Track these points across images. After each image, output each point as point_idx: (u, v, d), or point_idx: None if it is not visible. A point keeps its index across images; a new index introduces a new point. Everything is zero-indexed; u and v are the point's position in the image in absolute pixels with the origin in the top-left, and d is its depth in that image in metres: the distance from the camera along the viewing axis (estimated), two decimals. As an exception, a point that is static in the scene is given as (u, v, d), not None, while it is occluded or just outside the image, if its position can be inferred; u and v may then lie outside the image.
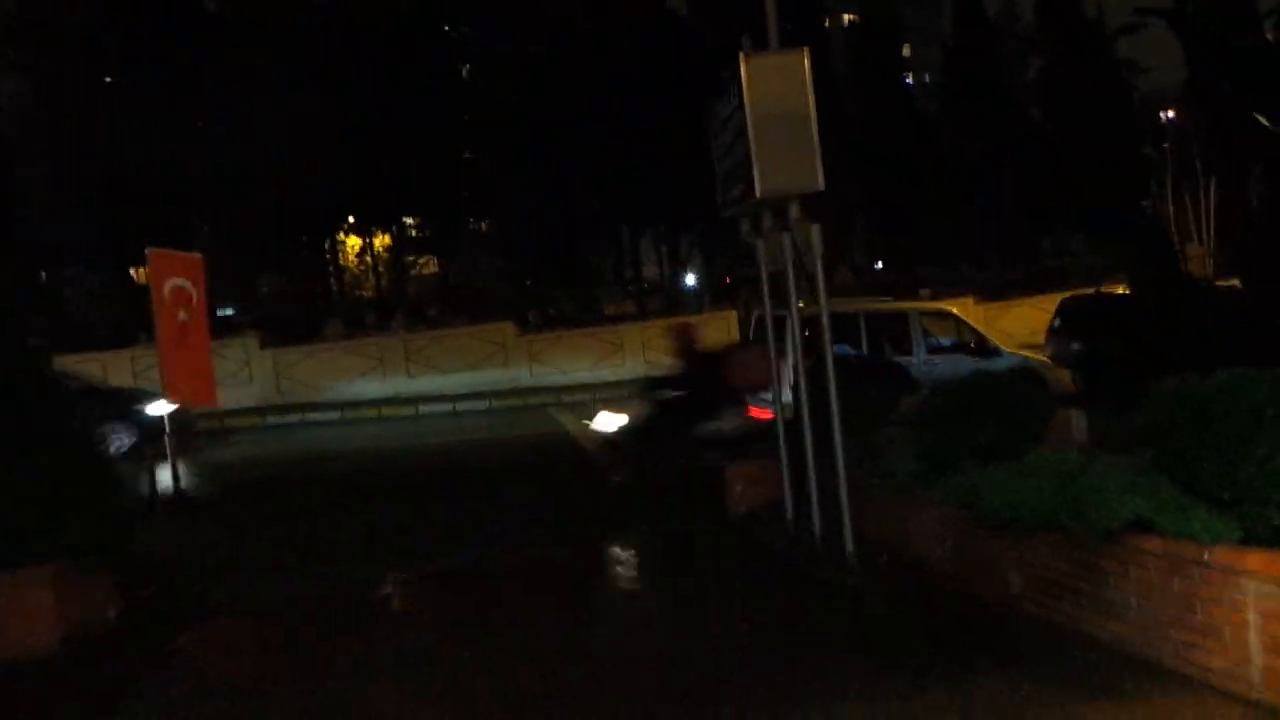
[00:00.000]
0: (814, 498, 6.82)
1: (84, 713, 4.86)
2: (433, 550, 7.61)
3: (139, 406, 13.28)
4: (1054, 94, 33.45)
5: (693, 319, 20.80)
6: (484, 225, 34.81)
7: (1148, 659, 4.29)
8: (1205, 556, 3.86)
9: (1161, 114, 35.54)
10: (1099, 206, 33.37)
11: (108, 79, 26.72)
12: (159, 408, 12.96)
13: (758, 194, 6.21)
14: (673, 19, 31.56)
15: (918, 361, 12.60)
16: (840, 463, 6.32)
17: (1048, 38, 33.68)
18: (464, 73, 32.34)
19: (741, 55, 6.15)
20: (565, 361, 19.89)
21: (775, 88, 6.13)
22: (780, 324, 7.66)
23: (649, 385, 11.80)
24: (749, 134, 6.15)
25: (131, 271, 32.57)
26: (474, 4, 29.88)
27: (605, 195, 30.68)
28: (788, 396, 12.44)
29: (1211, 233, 22.38)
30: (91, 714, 4.84)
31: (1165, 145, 30.80)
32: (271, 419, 17.94)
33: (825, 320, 6.40)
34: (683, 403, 9.98)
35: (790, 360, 7.71)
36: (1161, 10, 10.27)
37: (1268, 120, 10.13)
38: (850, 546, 6.33)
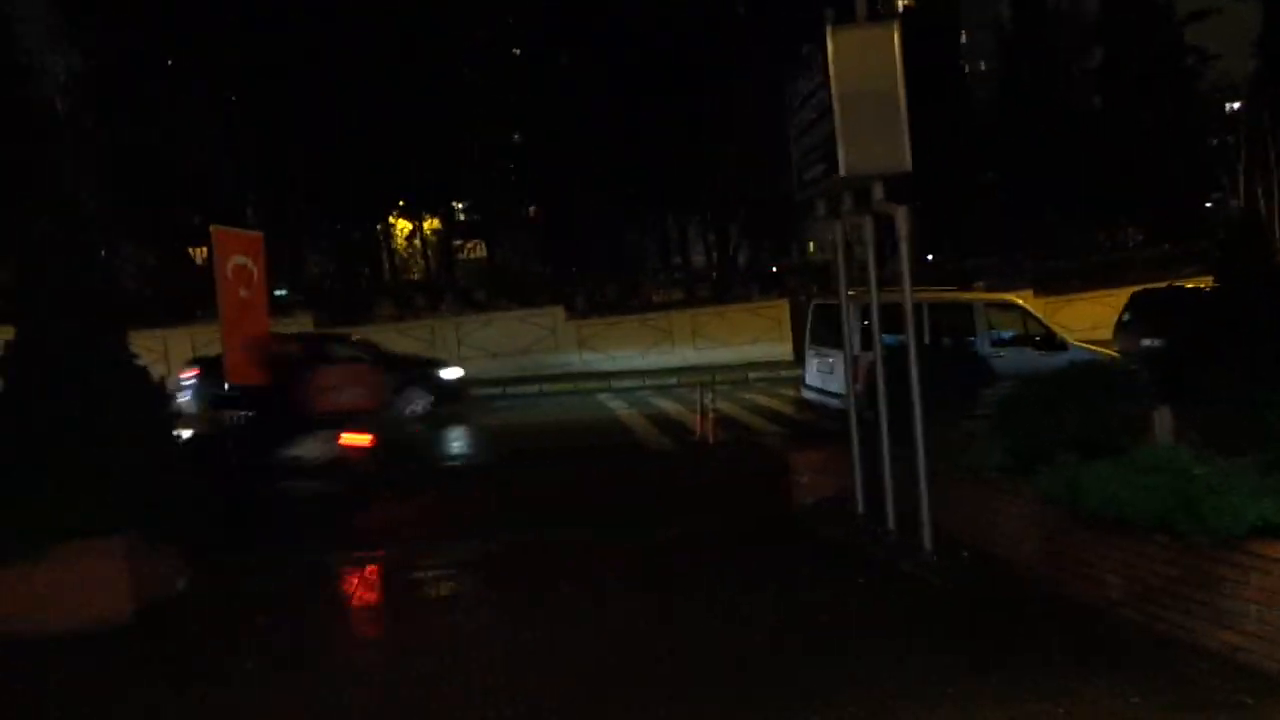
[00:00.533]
0: (888, 489, 6.61)
1: (156, 686, 4.84)
2: (501, 529, 7.51)
3: (433, 372, 15.07)
4: (1116, 83, 32.39)
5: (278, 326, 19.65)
6: (532, 210, 34.74)
7: (1266, 671, 4.04)
8: (1343, 565, 3.60)
9: (1228, 104, 34.32)
10: (1161, 199, 32.37)
11: (164, 58, 27.03)
12: (451, 373, 15.06)
13: (841, 173, 5.99)
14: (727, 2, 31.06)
15: (981, 354, 12.25)
16: (921, 453, 6.09)
17: (1112, 24, 32.60)
18: (515, 54, 32.25)
19: (828, 28, 5.92)
20: (615, 347, 19.77)
21: (863, 62, 5.89)
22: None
23: (216, 401, 10.38)
24: (834, 111, 5.92)
25: (189, 250, 33.25)
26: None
27: (652, 182, 30.43)
28: (837, 386, 12.34)
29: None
30: (164, 687, 4.81)
31: (1231, 138, 29.79)
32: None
33: (908, 307, 6.16)
34: (253, 424, 8.61)
35: (848, 348, 7.48)
36: None
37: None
38: (929, 542, 6.12)
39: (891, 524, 6.59)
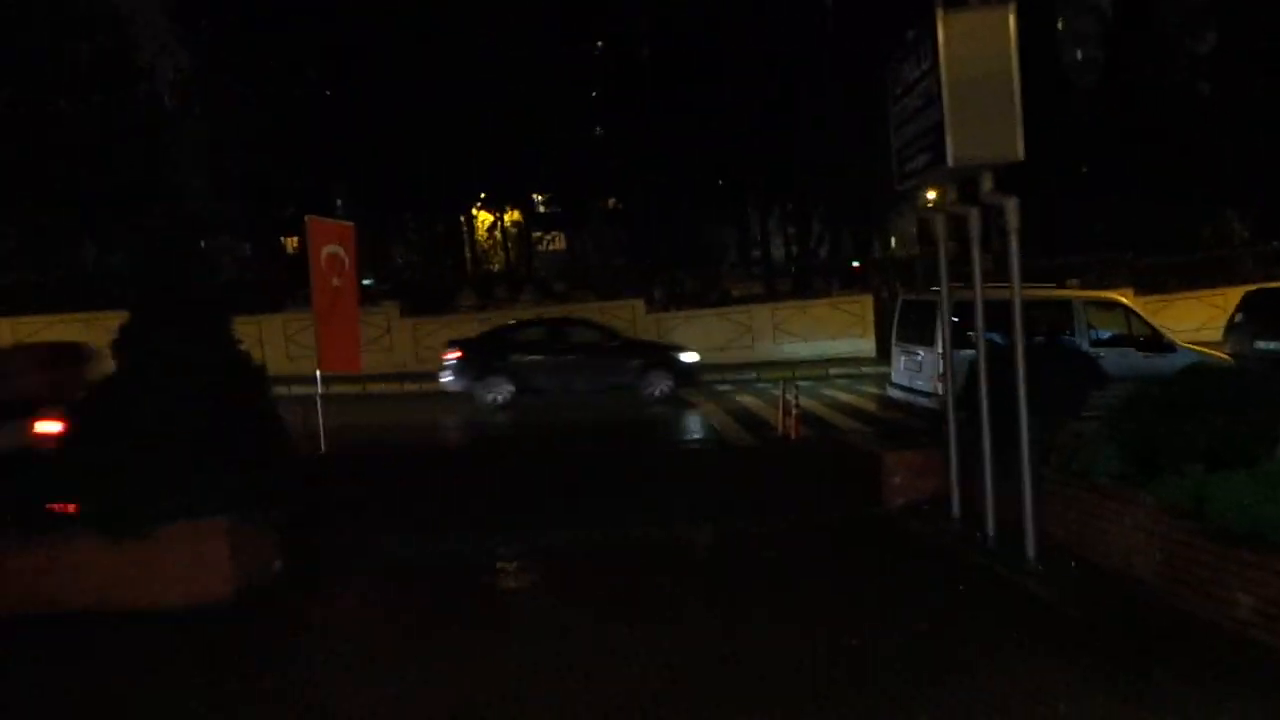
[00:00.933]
0: (989, 494, 6.35)
1: (259, 664, 4.96)
2: (595, 522, 7.48)
3: (674, 356, 16.29)
4: (1228, 68, 30.62)
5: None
6: (611, 202, 34.80)
7: None
8: None
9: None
10: (1272, 191, 30.54)
11: (263, 58, 27.94)
12: (689, 357, 16.34)
13: (950, 162, 5.75)
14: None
15: (1064, 347, 11.71)
16: (1025, 457, 5.83)
17: (1223, 7, 30.81)
18: (598, 46, 32.32)
19: (939, 12, 5.68)
20: (694, 340, 19.53)
21: (975, 47, 5.64)
22: (960, 309, 7.10)
23: None
24: (943, 97, 5.68)
25: (282, 240, 34.42)
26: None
27: (732, 173, 30.14)
28: (924, 384, 11.97)
29: None
30: (267, 665, 4.93)
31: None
32: (409, 386, 18.42)
33: (1017, 304, 5.88)
34: None
35: (947, 345, 7.20)
36: None
37: None
38: (1033, 550, 5.85)
39: (991, 529, 6.33)
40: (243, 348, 7.01)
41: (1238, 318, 14.01)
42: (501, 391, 15.68)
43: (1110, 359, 11.50)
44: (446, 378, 15.95)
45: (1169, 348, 12.19)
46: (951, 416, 6.89)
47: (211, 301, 6.88)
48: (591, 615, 5.45)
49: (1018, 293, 5.91)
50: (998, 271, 6.60)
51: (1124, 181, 30.51)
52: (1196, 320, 20.62)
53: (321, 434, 11.16)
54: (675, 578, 6.14)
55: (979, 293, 6.41)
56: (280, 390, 8.73)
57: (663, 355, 16.45)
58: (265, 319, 19.53)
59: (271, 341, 18.74)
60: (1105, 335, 12.35)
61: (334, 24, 26.41)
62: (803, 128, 26.31)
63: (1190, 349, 12.42)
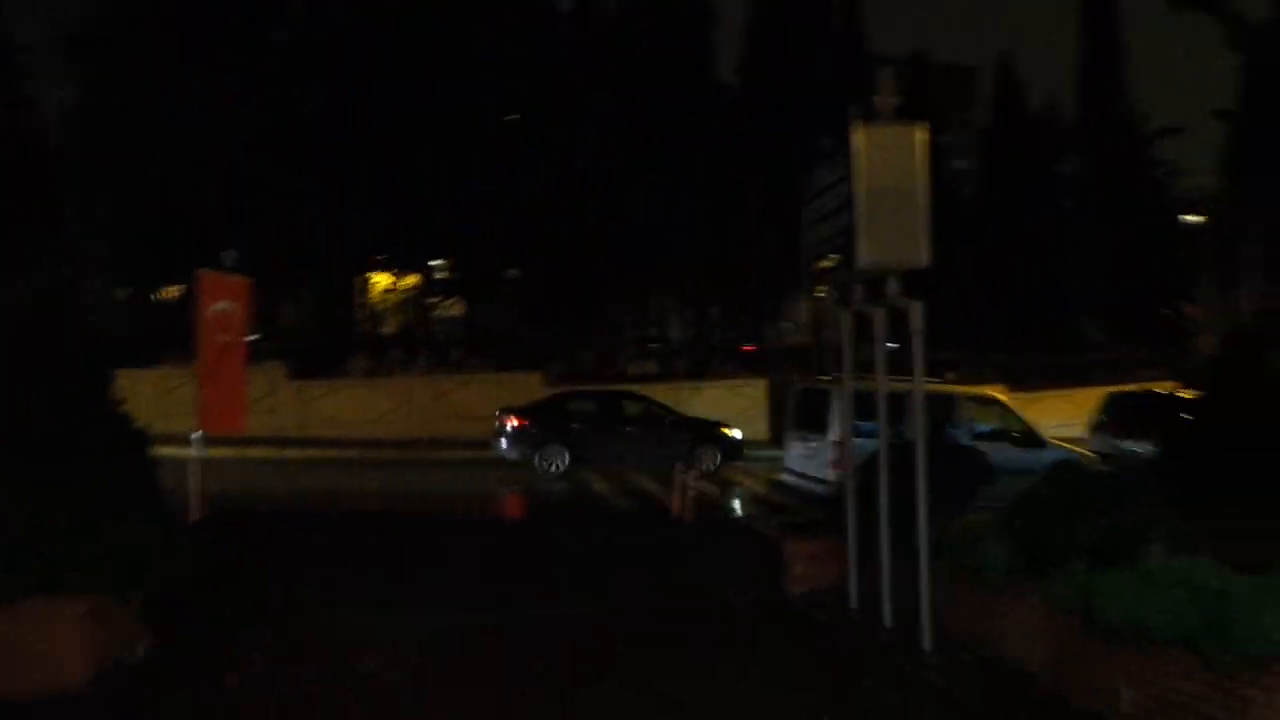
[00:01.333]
0: (886, 585, 6.51)
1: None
2: (455, 603, 7.21)
3: (720, 431, 16.95)
4: (1090, 189, 33.69)
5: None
6: (513, 272, 34.80)
7: (1292, 799, 3.95)
8: (1377, 695, 3.56)
9: (1192, 216, 35.80)
10: (1124, 302, 33.36)
11: (156, 99, 26.99)
12: (735, 434, 17.01)
13: (861, 265, 6.04)
14: (720, 89, 31.95)
15: (957, 443, 12.29)
16: (923, 551, 6.03)
17: (1086, 133, 34.04)
18: (504, 120, 32.71)
19: (857, 124, 6.04)
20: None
21: (887, 160, 6.00)
22: (863, 399, 7.36)
23: None
24: (857, 205, 6.00)
25: (161, 289, 32.74)
26: (521, 56, 30.31)
27: (637, 253, 30.74)
28: (819, 471, 12.29)
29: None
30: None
31: (1192, 245, 31.03)
32: (290, 452, 17.62)
33: (920, 401, 6.16)
34: None
35: (847, 435, 7.45)
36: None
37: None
38: (929, 642, 6.01)
39: (889, 620, 6.48)
40: (122, 410, 6.59)
41: (1102, 418, 15.06)
42: (559, 460, 15.82)
43: (990, 452, 12.09)
44: (503, 445, 16.08)
45: (1041, 444, 12.96)
46: (852, 508, 7.08)
47: (89, 359, 6.47)
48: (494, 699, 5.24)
49: (920, 389, 6.19)
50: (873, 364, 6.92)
51: (994, 284, 32.74)
52: (1059, 417, 21.94)
53: (197, 499, 10.48)
54: (572, 664, 5.96)
55: (883, 388, 6.68)
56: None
57: (712, 431, 17.08)
58: (138, 373, 18.39)
59: (145, 397, 17.59)
60: (984, 430, 13.01)
61: (237, 68, 25.77)
62: (706, 213, 27.22)
63: (1060, 445, 13.24)
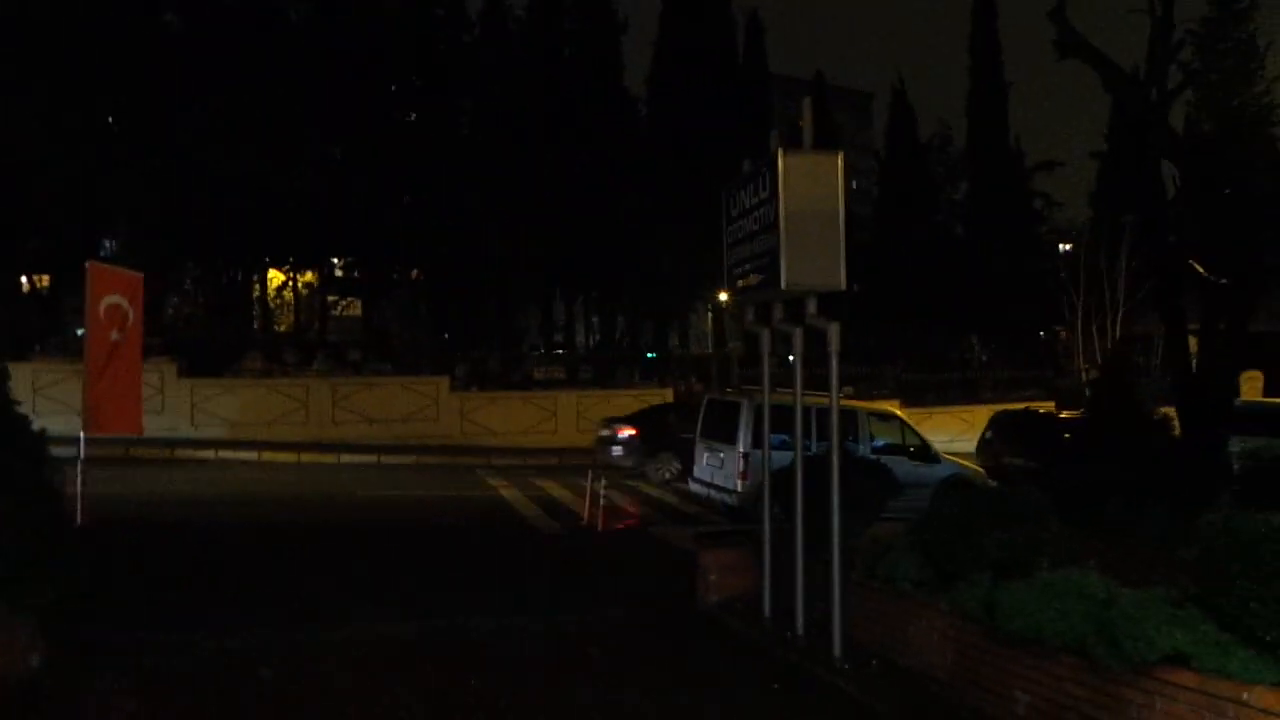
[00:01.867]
0: (799, 594, 6.75)
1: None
2: (369, 616, 7.10)
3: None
4: (976, 216, 35.56)
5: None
6: (414, 273, 34.11)
7: (1167, 793, 4.31)
8: (1244, 696, 3.93)
9: (1064, 245, 38.27)
10: (1008, 325, 35.34)
11: (31, 72, 25.27)
12: None
13: (783, 286, 6.26)
14: (630, 100, 32.26)
15: (865, 458, 12.82)
16: (835, 562, 6.28)
17: (974, 163, 35.96)
18: (412, 118, 32.10)
19: (780, 151, 6.26)
20: (497, 423, 19.45)
21: (809, 185, 6.25)
22: (780, 413, 7.62)
23: None
24: (780, 228, 6.22)
25: (24, 279, 30.63)
26: (432, 54, 29.85)
27: (543, 257, 30.64)
28: (725, 480, 12.60)
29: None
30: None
31: (1066, 274, 33.14)
32: (180, 453, 16.82)
33: (835, 418, 6.42)
34: None
35: (766, 447, 7.71)
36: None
37: (1203, 269, 10.95)
38: (840, 649, 6.26)
39: (801, 629, 6.71)
40: (19, 409, 6.23)
41: (988, 435, 15.95)
42: (670, 468, 16.22)
43: (888, 466, 12.64)
44: (617, 451, 16.65)
45: (935, 458, 13.67)
46: (767, 518, 7.30)
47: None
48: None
49: (835, 406, 6.46)
50: (785, 376, 7.19)
51: (890, 303, 34.13)
52: (950, 432, 23.15)
53: (79, 503, 9.91)
54: (491, 675, 5.95)
55: (799, 404, 6.93)
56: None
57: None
58: (11, 366, 17.21)
59: (17, 392, 16.50)
60: (882, 444, 13.61)
61: (124, 51, 24.37)
62: (613, 222, 27.39)
63: (951, 460, 13.97)
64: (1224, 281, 10.50)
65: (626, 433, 16.89)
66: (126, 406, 11.25)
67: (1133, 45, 11.90)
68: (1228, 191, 12.58)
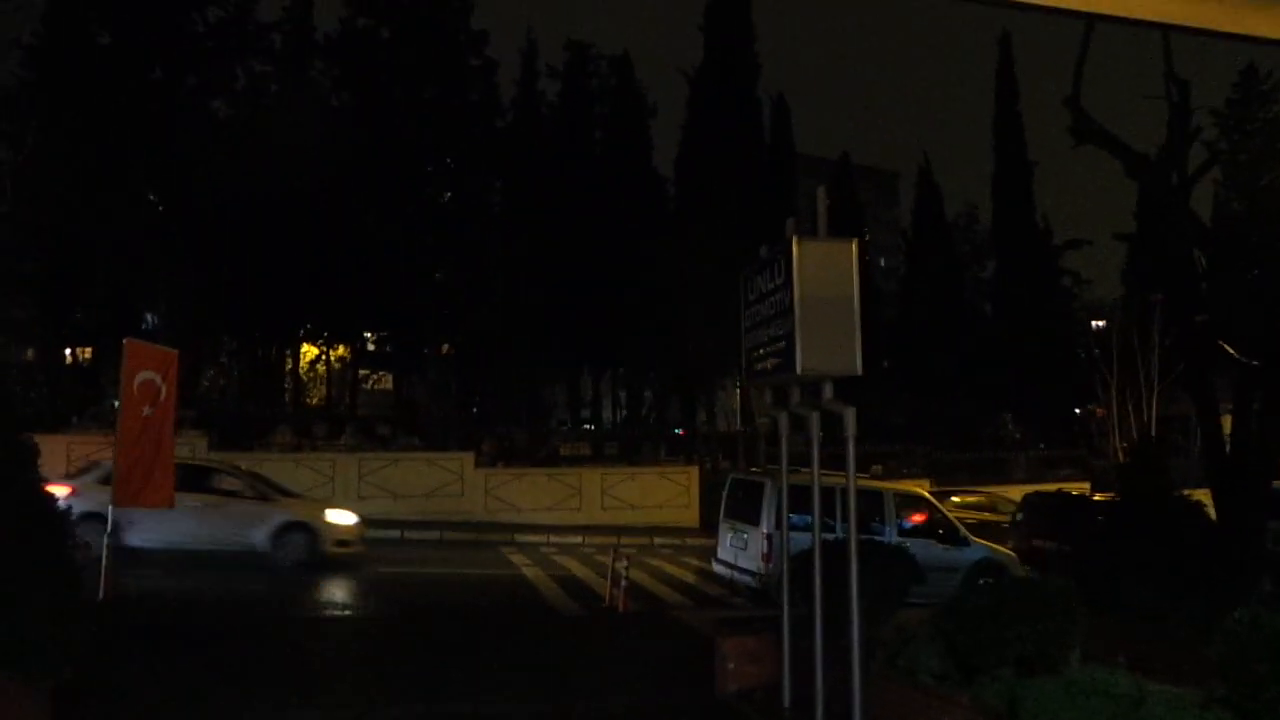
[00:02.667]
0: (819, 687, 6.56)
1: None
2: (376, 701, 7.01)
3: None
4: (1004, 293, 35.48)
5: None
6: (445, 348, 34.62)
7: None
8: (1281, 807, 3.76)
9: (1095, 322, 37.96)
10: (1039, 402, 34.85)
11: (68, 153, 26.42)
12: None
13: (798, 371, 6.27)
14: (657, 179, 32.97)
15: (887, 542, 12.56)
16: (856, 654, 6.12)
17: (1001, 241, 36.07)
18: (446, 198, 33.02)
19: (795, 239, 6.36)
20: (522, 500, 19.39)
21: (823, 272, 6.32)
22: (804, 494, 7.51)
23: None
24: (795, 313, 6.27)
25: (66, 351, 31.50)
26: (467, 137, 30.83)
27: (572, 335, 30.97)
28: (749, 563, 12.39)
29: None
30: None
31: (1100, 351, 32.83)
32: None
33: (853, 503, 6.35)
34: None
35: (784, 530, 7.60)
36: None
37: (1233, 349, 10.80)
38: (861, 746, 6.05)
39: (821, 721, 6.52)
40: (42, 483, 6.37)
41: (1019, 516, 15.58)
42: None
43: (914, 549, 12.36)
44: None
45: (964, 541, 13.35)
46: (785, 605, 7.16)
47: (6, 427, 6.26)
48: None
49: (853, 491, 6.39)
50: (809, 452, 7.10)
51: (919, 380, 33.90)
52: (980, 514, 22.65)
53: (103, 577, 9.99)
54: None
55: (816, 487, 6.86)
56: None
57: None
58: (46, 438, 17.57)
59: (52, 462, 16.80)
60: (909, 526, 13.35)
61: (169, 133, 25.46)
62: (641, 300, 27.68)
63: (981, 544, 13.64)
64: (1255, 363, 10.34)
65: None
66: (158, 481, 11.40)
67: (1153, 125, 12.01)
68: (1256, 272, 12.48)
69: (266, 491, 14.27)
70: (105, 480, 12.62)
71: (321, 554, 13.62)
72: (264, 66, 28.77)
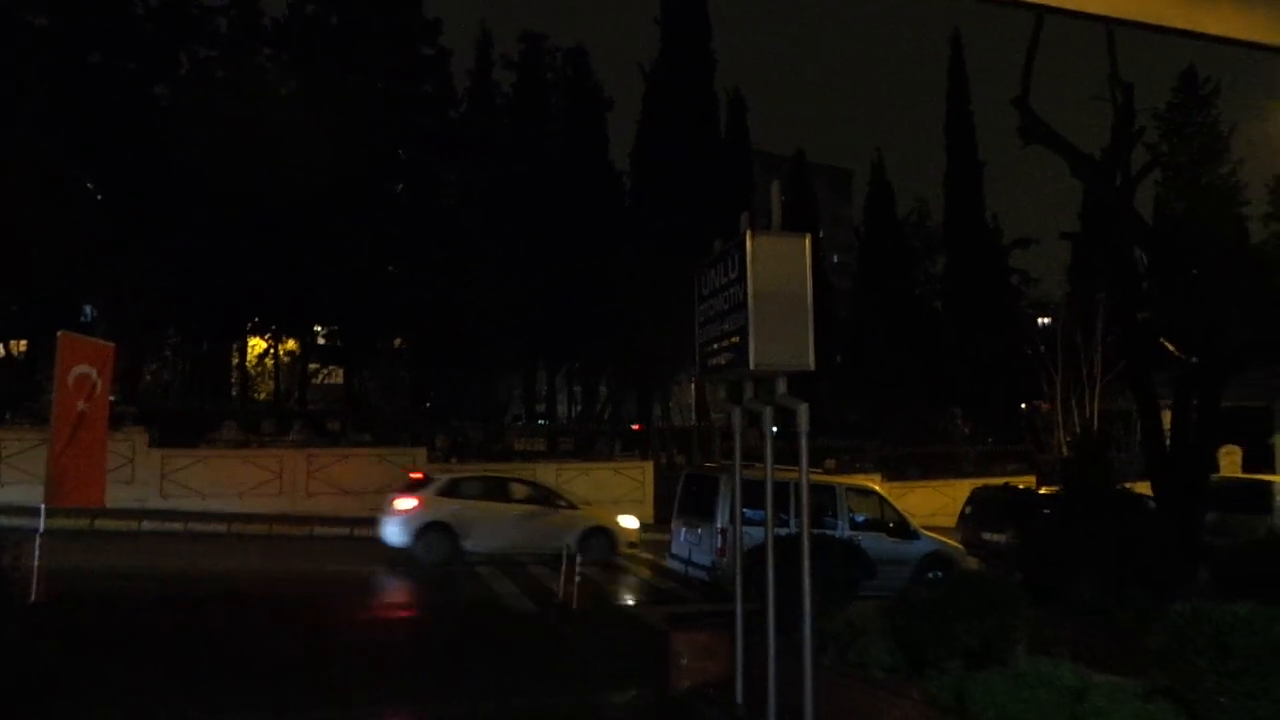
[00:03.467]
0: (772, 682, 6.56)
1: None
2: (325, 703, 6.86)
3: None
4: (954, 291, 36.05)
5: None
6: (397, 342, 34.09)
7: None
8: (1219, 796, 3.82)
9: (1041, 320, 38.77)
10: (987, 398, 35.48)
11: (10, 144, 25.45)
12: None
13: (751, 366, 6.26)
14: (612, 173, 32.84)
15: (839, 536, 12.68)
16: (807, 648, 6.13)
17: (952, 239, 36.63)
18: (398, 189, 32.48)
19: (749, 233, 6.33)
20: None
21: (777, 267, 6.30)
22: (758, 489, 7.50)
23: None
24: (749, 308, 6.25)
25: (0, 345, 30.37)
26: (419, 128, 30.38)
27: (527, 330, 30.75)
28: (703, 557, 12.41)
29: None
30: None
31: (1045, 348, 33.60)
32: (147, 525, 16.44)
33: (805, 498, 6.34)
34: None
35: (738, 525, 7.59)
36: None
37: (1174, 347, 11.06)
38: (812, 740, 6.06)
39: (773, 716, 6.51)
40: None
41: (967, 510, 15.84)
42: None
43: (866, 542, 12.48)
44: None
45: (914, 535, 13.55)
46: (739, 601, 7.15)
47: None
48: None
49: (806, 487, 6.38)
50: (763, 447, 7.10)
51: (870, 376, 34.29)
52: (931, 507, 23.01)
53: (35, 577, 9.64)
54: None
55: (769, 482, 6.85)
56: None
57: None
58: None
59: (-20, 462, 16.24)
60: (861, 519, 13.50)
61: (108, 119, 24.59)
62: (596, 294, 27.57)
63: (931, 537, 13.85)
64: (1194, 360, 10.60)
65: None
66: (90, 478, 11.05)
67: (1100, 128, 12.25)
68: (1195, 272, 12.80)
69: (556, 498, 16.27)
70: (444, 491, 14.99)
71: (616, 554, 15.64)
72: (208, 52, 27.98)
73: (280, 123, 25.31)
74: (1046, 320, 37.54)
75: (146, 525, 16.42)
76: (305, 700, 6.88)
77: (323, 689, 7.29)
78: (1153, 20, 4.40)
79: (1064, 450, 25.15)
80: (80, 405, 11.28)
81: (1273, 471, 23.39)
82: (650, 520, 20.03)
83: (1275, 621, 3.81)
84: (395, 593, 12.66)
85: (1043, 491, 15.69)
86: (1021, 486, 17.38)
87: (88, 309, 29.68)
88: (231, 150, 23.60)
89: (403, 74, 29.01)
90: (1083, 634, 6.29)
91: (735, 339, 6.53)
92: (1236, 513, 15.00)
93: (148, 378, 33.29)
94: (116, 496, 16.46)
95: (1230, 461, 24.16)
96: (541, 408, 36.03)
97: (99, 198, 26.38)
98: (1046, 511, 11.81)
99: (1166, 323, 11.66)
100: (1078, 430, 24.60)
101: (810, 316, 6.32)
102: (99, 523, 15.80)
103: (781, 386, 6.51)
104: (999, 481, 18.20)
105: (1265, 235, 38.00)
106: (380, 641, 9.09)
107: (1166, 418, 11.15)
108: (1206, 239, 29.15)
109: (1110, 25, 7.55)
